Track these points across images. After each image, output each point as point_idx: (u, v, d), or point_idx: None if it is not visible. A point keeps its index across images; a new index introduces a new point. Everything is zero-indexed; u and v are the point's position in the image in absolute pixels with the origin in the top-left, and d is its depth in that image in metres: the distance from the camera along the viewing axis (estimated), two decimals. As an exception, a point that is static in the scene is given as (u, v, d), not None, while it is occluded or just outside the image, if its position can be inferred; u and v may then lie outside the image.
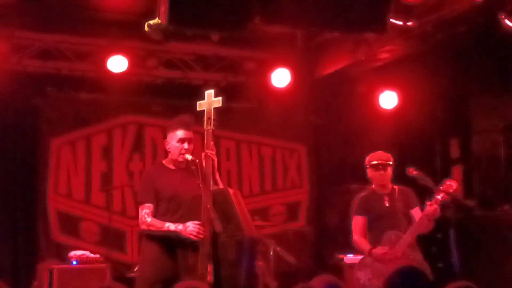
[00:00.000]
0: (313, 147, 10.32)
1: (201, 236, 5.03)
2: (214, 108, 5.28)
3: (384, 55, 8.38)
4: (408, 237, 6.04)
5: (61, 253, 8.30)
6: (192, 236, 5.06)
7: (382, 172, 6.29)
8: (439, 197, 5.84)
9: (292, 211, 10.10)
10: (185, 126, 5.40)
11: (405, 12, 6.87)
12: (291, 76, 9.17)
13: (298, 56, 9.25)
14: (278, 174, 10.14)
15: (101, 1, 7.60)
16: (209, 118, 5.27)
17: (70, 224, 8.82)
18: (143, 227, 5.36)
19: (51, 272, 7.51)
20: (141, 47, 8.71)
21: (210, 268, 5.00)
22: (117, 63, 8.48)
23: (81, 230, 8.88)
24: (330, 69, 9.22)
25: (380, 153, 6.38)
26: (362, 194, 6.45)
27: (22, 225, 8.55)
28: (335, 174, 9.96)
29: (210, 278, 4.95)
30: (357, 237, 6.35)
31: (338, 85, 9.54)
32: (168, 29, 5.04)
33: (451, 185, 5.90)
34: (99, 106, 9.17)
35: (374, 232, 6.25)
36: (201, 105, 5.37)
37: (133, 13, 7.33)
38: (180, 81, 9.27)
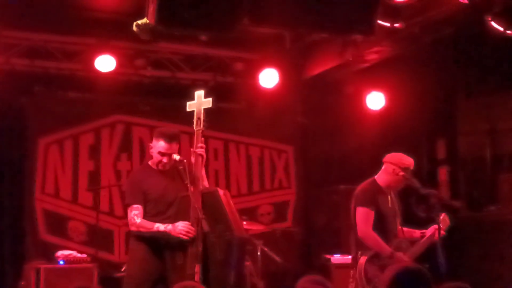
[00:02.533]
0: (301, 148, 10.34)
1: (191, 235, 5.04)
2: (204, 109, 5.29)
3: (372, 57, 8.42)
4: (418, 249, 5.99)
5: (48, 253, 8.26)
6: (181, 236, 5.07)
7: (407, 179, 6.00)
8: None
9: (279, 211, 10.11)
10: (168, 139, 5.40)
11: (393, 14, 6.91)
12: (279, 77, 9.20)
13: (286, 57, 9.27)
14: (266, 174, 10.16)
15: (89, 0, 7.59)
16: (198, 118, 5.29)
17: (57, 224, 8.79)
18: (133, 228, 5.39)
19: (38, 272, 7.48)
20: (129, 46, 8.71)
21: (198, 268, 5.01)
22: (105, 63, 8.47)
23: (68, 230, 8.84)
24: (318, 70, 9.26)
25: (412, 160, 6.07)
26: (366, 185, 6.11)
27: (9, 224, 8.51)
28: (322, 174, 9.99)
29: (197, 277, 4.97)
30: (370, 231, 5.90)
31: (326, 86, 9.58)
32: (156, 29, 5.03)
33: (446, 221, 5.95)
34: (87, 106, 9.14)
35: (378, 233, 5.93)
36: (191, 106, 5.37)
37: (121, 13, 7.32)
38: (168, 81, 9.27)
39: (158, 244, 5.28)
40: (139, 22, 5.09)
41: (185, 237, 5.06)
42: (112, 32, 8.15)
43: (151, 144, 5.52)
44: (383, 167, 6.13)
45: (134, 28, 5.16)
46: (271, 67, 9.18)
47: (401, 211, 6.19)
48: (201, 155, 5.26)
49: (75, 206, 8.91)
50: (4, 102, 8.51)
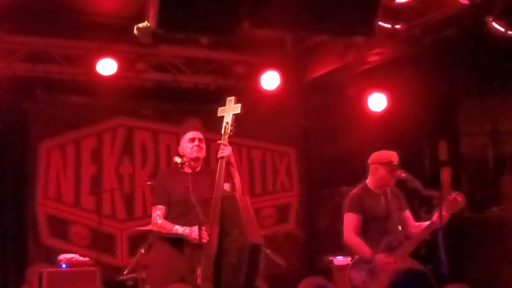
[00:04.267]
0: (303, 150, 10.34)
1: (205, 240, 5.09)
2: (233, 115, 5.34)
3: (373, 58, 8.42)
4: (410, 244, 5.93)
5: (50, 257, 8.27)
6: (197, 240, 5.14)
7: (394, 173, 6.01)
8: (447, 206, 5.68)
9: (282, 213, 10.11)
10: (193, 127, 5.60)
11: (394, 16, 6.92)
12: (281, 79, 9.20)
13: (288, 59, 9.27)
14: (268, 176, 10.15)
15: (90, 4, 7.60)
16: (227, 123, 5.34)
17: (60, 228, 8.80)
18: (154, 228, 5.55)
19: (40, 276, 7.48)
20: (130, 50, 8.71)
21: (199, 271, 5.04)
22: (107, 66, 8.48)
23: (71, 234, 8.85)
24: (319, 72, 9.25)
25: (394, 153, 6.08)
26: (356, 190, 6.19)
27: (12, 228, 8.52)
28: (324, 176, 9.98)
29: (199, 280, 5.00)
30: (352, 235, 6.01)
31: (327, 88, 9.57)
32: (157, 32, 5.04)
33: (459, 200, 5.74)
34: (89, 110, 9.15)
35: (371, 235, 6.00)
36: (222, 111, 5.44)
37: (122, 17, 7.33)
38: (169, 85, 9.27)
39: (179, 245, 5.34)
40: (140, 25, 5.09)
41: (200, 242, 5.11)
42: (113, 35, 8.15)
43: (179, 147, 5.65)
44: (369, 169, 6.20)
45: (135, 31, 5.17)
46: (272, 70, 9.18)
47: (402, 209, 6.18)
48: (223, 156, 5.29)
49: (77, 210, 8.92)
50: (6, 106, 8.53)
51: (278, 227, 9.73)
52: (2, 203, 8.50)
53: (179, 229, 5.32)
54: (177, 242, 5.37)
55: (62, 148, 8.96)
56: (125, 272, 7.55)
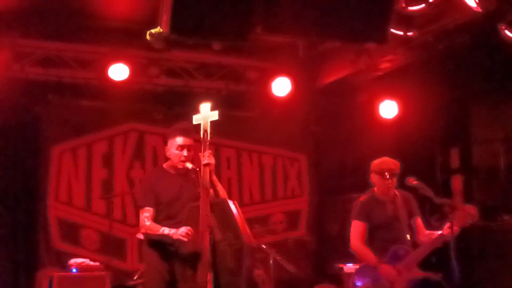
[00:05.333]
0: (314, 156, 10.34)
1: (190, 237, 5.03)
2: (211, 121, 5.26)
3: (385, 65, 8.41)
4: (417, 254, 5.88)
5: (61, 261, 8.31)
6: (181, 238, 5.07)
7: (389, 180, 6.05)
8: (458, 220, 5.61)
9: (292, 219, 10.11)
10: (184, 133, 5.43)
11: (406, 22, 6.89)
12: (292, 85, 9.20)
13: (299, 65, 9.27)
14: (278, 182, 10.16)
15: (103, 9, 7.62)
16: (205, 131, 5.27)
17: (70, 232, 8.83)
18: (142, 230, 5.45)
19: (51, 280, 7.50)
20: (142, 55, 8.75)
21: (210, 276, 5.01)
22: (119, 71, 8.51)
23: (81, 238, 8.88)
24: (331, 78, 9.24)
25: (389, 160, 6.13)
26: (362, 198, 6.22)
27: (22, 232, 8.55)
28: (335, 183, 9.96)
29: (210, 287, 4.97)
30: (359, 243, 6.05)
31: (339, 94, 9.56)
32: (169, 38, 5.05)
33: (471, 213, 5.69)
34: (100, 114, 9.19)
35: (377, 243, 6.00)
36: (197, 119, 5.34)
37: (135, 22, 7.35)
38: (181, 89, 9.29)
39: (168, 252, 5.30)
40: (153, 31, 5.11)
41: (184, 239, 5.06)
42: (125, 40, 8.19)
43: (166, 146, 5.52)
44: None
45: (148, 37, 5.19)
46: (284, 76, 9.18)
47: (412, 215, 6.16)
48: (208, 163, 5.24)
49: (88, 214, 8.95)
50: (18, 110, 8.58)
51: (288, 234, 9.71)
52: (14, 206, 8.53)
53: (165, 230, 5.21)
54: (164, 248, 5.30)
55: (73, 152, 9.00)
56: (135, 277, 7.58)
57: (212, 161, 5.25)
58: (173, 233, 5.14)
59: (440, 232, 5.80)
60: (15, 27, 7.81)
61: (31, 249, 8.56)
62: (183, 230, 5.09)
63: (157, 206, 5.39)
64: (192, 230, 5.06)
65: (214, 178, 5.36)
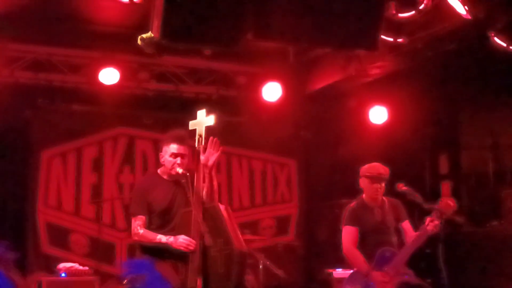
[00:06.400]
0: (303, 162, 10.35)
1: (191, 248, 5.04)
2: (206, 127, 5.28)
3: (375, 71, 8.44)
4: (403, 254, 5.94)
5: (50, 265, 8.28)
6: (182, 248, 5.07)
7: (378, 185, 6.12)
8: (437, 213, 5.71)
9: (281, 225, 10.11)
10: (179, 141, 5.41)
11: (396, 29, 6.93)
12: (282, 91, 9.22)
13: (290, 70, 9.30)
14: (268, 188, 10.16)
15: (93, 14, 7.63)
16: (200, 136, 5.28)
17: (60, 236, 8.79)
18: (135, 238, 5.39)
19: (39, 284, 7.49)
20: (133, 60, 8.75)
21: (199, 282, 5.01)
22: (109, 76, 8.51)
23: (71, 242, 8.85)
24: (321, 84, 9.27)
25: (378, 165, 6.18)
26: (352, 204, 6.28)
27: (11, 236, 8.49)
28: (325, 188, 9.98)
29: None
30: (351, 249, 6.09)
31: (329, 100, 9.59)
32: (160, 43, 5.05)
33: (450, 204, 5.76)
34: (91, 118, 9.17)
35: (365, 247, 6.07)
36: (193, 125, 5.36)
37: (125, 26, 7.36)
38: (171, 94, 9.30)
39: (161, 257, 5.28)
40: (144, 36, 5.10)
41: (185, 250, 5.06)
42: (116, 45, 8.19)
43: (161, 153, 5.51)
44: None
45: (139, 41, 5.18)
46: (274, 81, 9.21)
47: (400, 220, 6.22)
48: (207, 165, 5.25)
49: (77, 219, 8.92)
50: (8, 114, 8.53)
51: (278, 239, 9.71)
52: (2, 210, 8.49)
53: (162, 238, 5.19)
54: (159, 253, 5.25)
55: (63, 157, 8.97)
56: (124, 282, 7.55)
57: (212, 161, 5.25)
58: (172, 242, 5.13)
59: (421, 227, 5.85)
60: (4, 31, 7.78)
61: (20, 254, 8.51)
62: (183, 241, 5.08)
63: (150, 214, 5.37)
64: (193, 241, 5.06)
65: (214, 173, 5.34)
